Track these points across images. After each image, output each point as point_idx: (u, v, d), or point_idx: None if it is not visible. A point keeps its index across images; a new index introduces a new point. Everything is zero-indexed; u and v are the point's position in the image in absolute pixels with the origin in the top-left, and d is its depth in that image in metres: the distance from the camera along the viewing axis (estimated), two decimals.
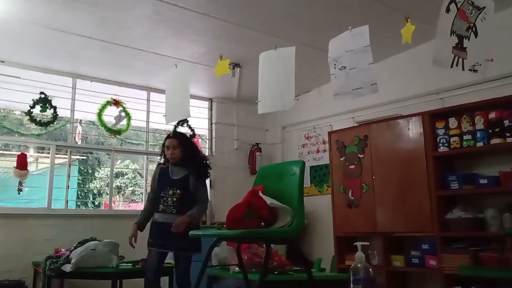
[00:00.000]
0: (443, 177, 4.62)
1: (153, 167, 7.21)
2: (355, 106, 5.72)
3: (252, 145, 7.13)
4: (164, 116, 4.10)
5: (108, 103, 5.93)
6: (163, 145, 4.06)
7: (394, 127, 5.08)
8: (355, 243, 2.52)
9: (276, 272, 3.48)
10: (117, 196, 11.24)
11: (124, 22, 4.60)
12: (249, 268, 3.52)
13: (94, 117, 5.90)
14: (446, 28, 2.78)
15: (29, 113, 5.40)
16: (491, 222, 4.27)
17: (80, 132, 6.02)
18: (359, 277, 2.25)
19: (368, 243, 3.43)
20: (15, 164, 5.20)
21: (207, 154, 6.96)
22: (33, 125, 5.56)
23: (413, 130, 4.87)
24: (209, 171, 4.06)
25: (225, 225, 2.52)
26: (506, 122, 4.20)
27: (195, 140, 6.83)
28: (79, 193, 8.44)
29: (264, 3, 4.35)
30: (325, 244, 5.83)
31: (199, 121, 6.95)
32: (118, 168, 11.24)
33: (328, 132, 5.94)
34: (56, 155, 5.81)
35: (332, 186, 5.67)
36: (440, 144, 4.64)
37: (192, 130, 6.72)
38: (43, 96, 5.50)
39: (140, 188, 10.80)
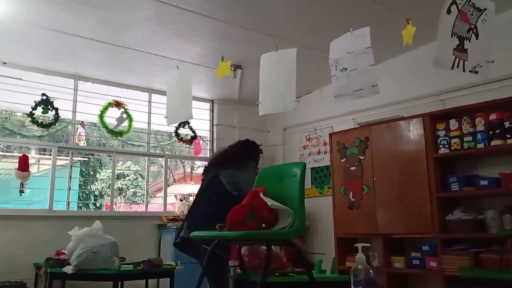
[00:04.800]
0: (443, 179, 4.63)
1: (154, 168, 7.23)
2: (356, 108, 5.73)
3: None
4: (165, 117, 4.11)
5: (110, 104, 5.95)
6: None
7: (395, 128, 5.09)
8: (355, 245, 2.53)
9: (276, 274, 3.48)
10: (119, 197, 11.25)
11: (125, 23, 4.62)
12: (250, 270, 3.52)
13: (95, 119, 5.92)
14: (447, 30, 2.78)
15: (31, 114, 5.42)
16: (492, 223, 4.27)
17: (82, 134, 6.02)
18: (359, 278, 2.26)
19: (368, 245, 3.45)
20: (16, 165, 5.22)
21: (208, 155, 6.98)
22: (34, 127, 5.57)
23: (414, 131, 4.88)
24: None
25: (226, 227, 2.53)
26: (507, 124, 4.21)
27: (196, 141, 6.85)
28: (81, 194, 8.45)
29: (266, 5, 4.36)
30: (325, 246, 5.84)
31: (200, 123, 6.96)
32: (120, 169, 11.26)
33: (329, 134, 5.95)
34: (58, 157, 5.83)
35: (333, 187, 5.68)
36: (441, 146, 4.64)
37: (193, 131, 6.74)
38: (44, 97, 5.52)
39: (142, 189, 10.82)
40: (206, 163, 3.84)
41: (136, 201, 11.18)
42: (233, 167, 3.43)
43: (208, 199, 3.40)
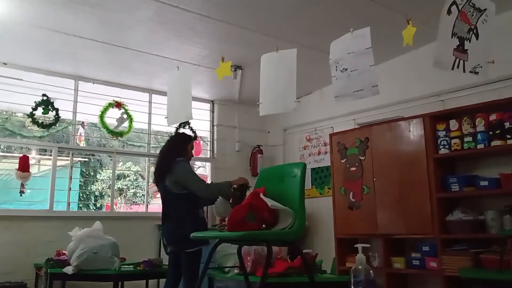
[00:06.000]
0: (443, 179, 4.63)
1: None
2: (356, 108, 5.73)
3: (253, 147, 7.14)
4: (166, 118, 4.12)
5: (110, 105, 5.95)
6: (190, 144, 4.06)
7: (395, 129, 5.09)
8: (356, 245, 2.53)
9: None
10: (119, 198, 11.25)
11: (126, 24, 4.62)
12: (252, 271, 3.53)
13: (96, 119, 5.92)
14: (447, 30, 2.78)
15: (31, 115, 5.42)
16: (492, 224, 4.27)
17: (82, 134, 6.03)
18: (359, 279, 2.26)
19: (368, 245, 3.45)
20: (17, 166, 5.22)
21: (208, 156, 6.98)
22: (35, 127, 5.57)
23: (414, 132, 4.88)
24: None
25: (226, 227, 2.53)
26: (507, 124, 4.21)
27: (197, 142, 6.85)
28: (81, 195, 8.44)
29: (266, 5, 4.37)
30: (326, 246, 5.84)
31: (201, 123, 6.96)
32: (120, 170, 11.24)
33: (329, 134, 5.95)
34: (58, 157, 5.83)
35: (333, 188, 5.68)
36: (441, 146, 4.65)
37: (194, 132, 6.74)
38: (45, 98, 5.52)
39: (142, 190, 10.81)
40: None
41: (136, 202, 11.18)
42: (169, 171, 3.76)
43: (175, 212, 3.77)
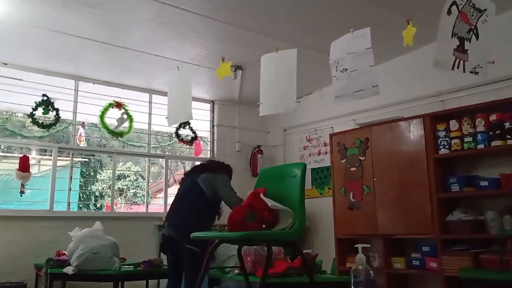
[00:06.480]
0: (443, 179, 4.63)
1: (155, 169, 7.24)
2: (356, 108, 5.73)
3: (253, 147, 7.14)
4: (166, 118, 4.12)
5: (110, 105, 5.95)
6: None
7: (395, 129, 5.09)
8: (356, 245, 2.53)
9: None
10: (119, 198, 11.24)
11: (126, 24, 4.62)
12: (252, 271, 3.52)
13: (96, 119, 5.92)
14: (447, 31, 2.78)
15: (31, 115, 5.42)
16: (492, 224, 4.27)
17: (82, 134, 6.03)
18: (360, 279, 2.26)
19: (369, 245, 3.44)
20: (17, 166, 5.22)
21: (208, 156, 6.98)
22: (35, 127, 5.57)
23: (414, 132, 4.88)
24: None
25: (226, 227, 2.52)
26: (507, 124, 4.21)
27: (197, 142, 6.86)
28: (81, 195, 8.42)
29: (266, 5, 4.37)
30: (326, 246, 5.84)
31: (201, 123, 6.97)
32: (120, 170, 11.24)
33: (330, 134, 5.95)
34: (58, 157, 5.83)
35: (333, 188, 5.68)
36: (441, 146, 4.65)
37: (194, 132, 6.74)
38: (45, 98, 5.52)
39: (142, 190, 10.81)
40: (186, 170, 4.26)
41: (136, 202, 11.17)
42: (209, 171, 3.86)
43: (189, 203, 3.79)
